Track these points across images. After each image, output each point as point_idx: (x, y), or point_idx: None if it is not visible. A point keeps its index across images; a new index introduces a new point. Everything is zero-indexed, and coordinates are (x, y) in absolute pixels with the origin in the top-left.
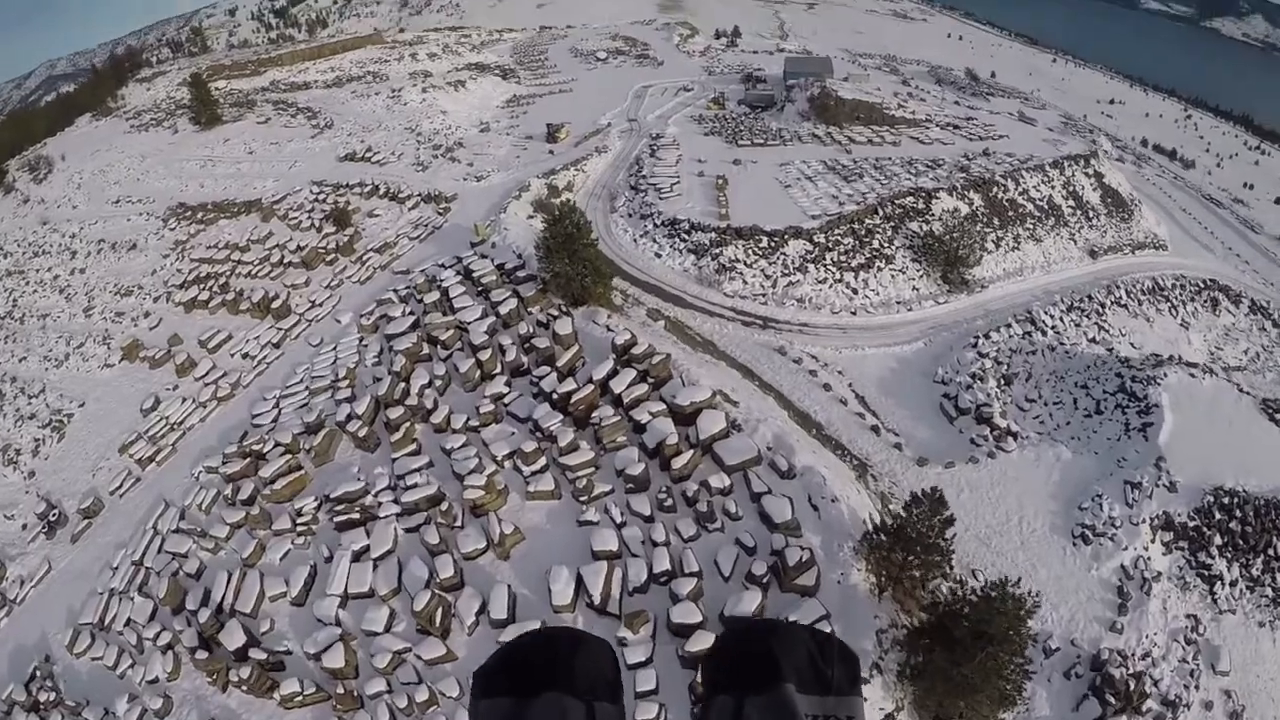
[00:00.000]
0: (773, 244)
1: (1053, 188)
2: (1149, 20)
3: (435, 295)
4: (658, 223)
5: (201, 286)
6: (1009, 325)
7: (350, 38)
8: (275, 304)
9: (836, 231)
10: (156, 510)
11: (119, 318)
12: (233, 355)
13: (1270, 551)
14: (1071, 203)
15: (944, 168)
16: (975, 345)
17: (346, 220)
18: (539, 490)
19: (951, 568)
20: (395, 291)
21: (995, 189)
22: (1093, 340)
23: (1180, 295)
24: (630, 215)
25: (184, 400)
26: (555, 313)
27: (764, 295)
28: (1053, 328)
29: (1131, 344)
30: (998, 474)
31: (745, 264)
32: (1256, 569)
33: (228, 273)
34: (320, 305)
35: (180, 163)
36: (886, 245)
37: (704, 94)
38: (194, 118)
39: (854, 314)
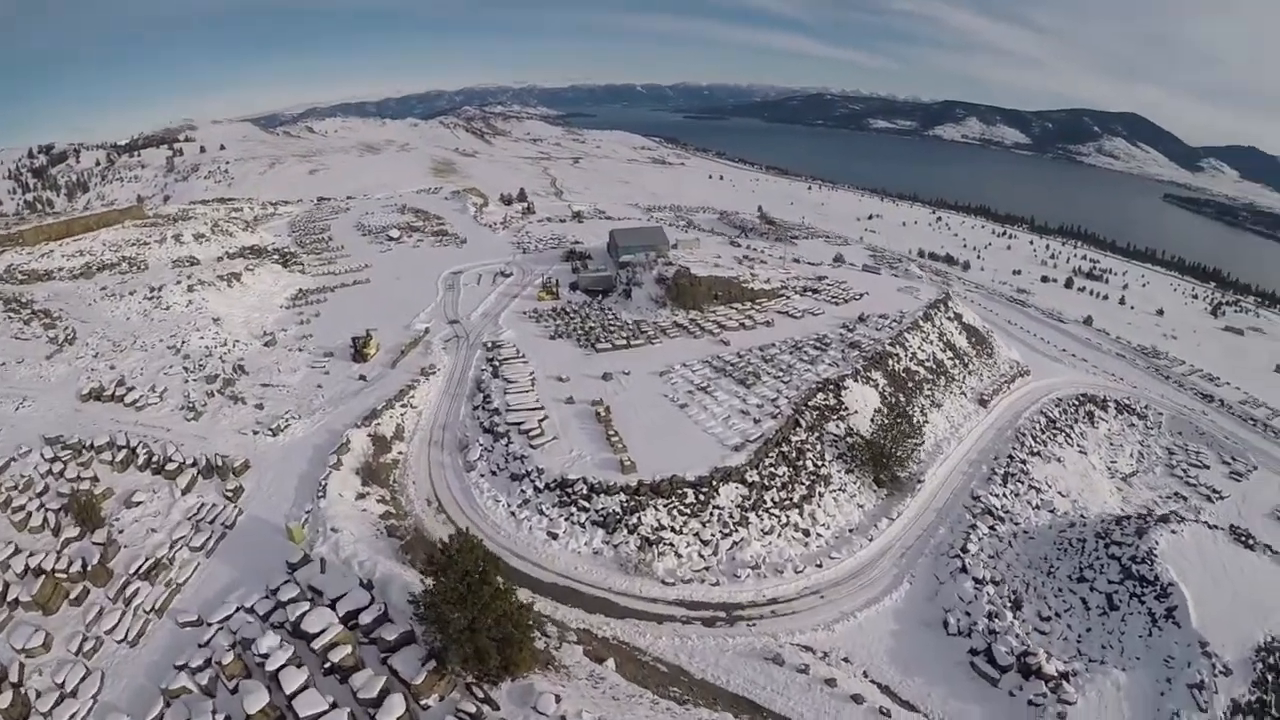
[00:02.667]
0: (700, 497)
1: (932, 343)
2: (880, 138)
3: (262, 696)
4: (539, 485)
5: None
6: (974, 526)
7: (106, 211)
8: (2, 696)
9: (767, 462)
10: None
11: None
12: None
13: None
14: (950, 354)
15: (833, 346)
16: (963, 567)
17: (95, 515)
18: None
19: None
20: (189, 671)
21: (890, 360)
22: (1036, 507)
23: (1066, 420)
24: (495, 474)
25: None
26: (472, 709)
27: (708, 569)
28: (1004, 509)
29: (1060, 493)
30: None
31: (674, 530)
32: None
33: None
34: (74, 694)
35: None
36: (820, 463)
37: (526, 279)
38: None
39: (819, 565)
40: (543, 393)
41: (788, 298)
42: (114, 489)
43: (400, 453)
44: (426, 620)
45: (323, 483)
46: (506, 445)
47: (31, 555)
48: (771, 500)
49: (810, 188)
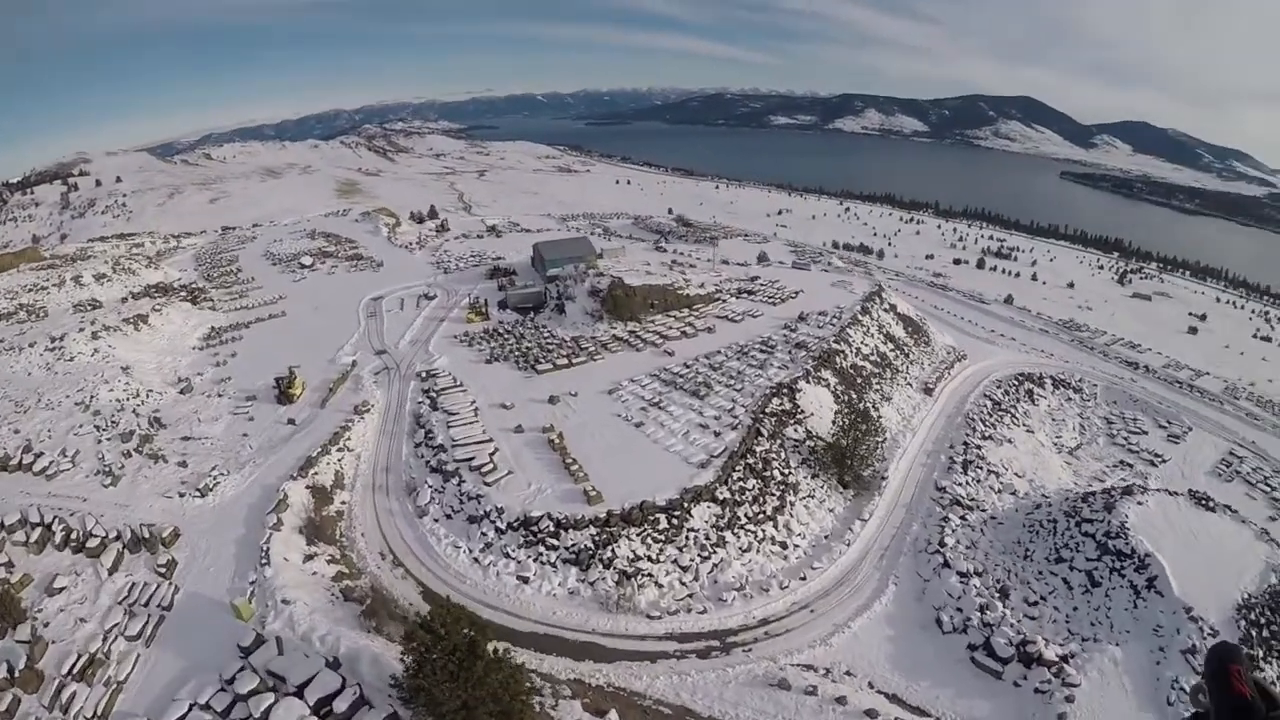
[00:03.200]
0: (674, 521)
1: (873, 337)
2: (782, 134)
3: None
4: (501, 526)
5: None
6: (946, 519)
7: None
8: None
9: (735, 476)
10: None
11: None
12: None
13: None
14: (891, 345)
15: (778, 348)
16: (945, 562)
17: (15, 608)
18: None
19: None
20: None
21: (837, 358)
22: (998, 491)
23: (1009, 400)
24: (451, 517)
25: None
26: None
27: (692, 596)
28: (969, 497)
29: (1016, 474)
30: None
31: (651, 559)
32: None
33: None
34: None
35: None
36: (786, 470)
37: (452, 300)
38: None
39: (803, 578)
40: (488, 423)
41: (724, 301)
42: (32, 574)
43: (344, 503)
44: (414, 702)
45: (264, 547)
46: (458, 485)
47: None
48: (745, 516)
49: (718, 187)
